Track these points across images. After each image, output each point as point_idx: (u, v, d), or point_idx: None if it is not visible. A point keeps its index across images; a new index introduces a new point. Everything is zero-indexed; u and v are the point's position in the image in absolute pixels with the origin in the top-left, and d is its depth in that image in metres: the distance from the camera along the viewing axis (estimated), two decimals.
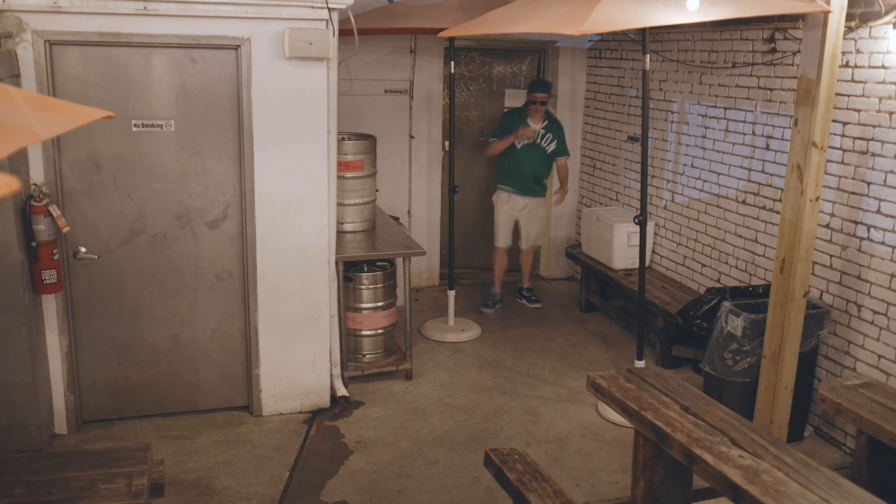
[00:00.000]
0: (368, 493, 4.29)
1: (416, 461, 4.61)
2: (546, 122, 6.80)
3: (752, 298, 5.05)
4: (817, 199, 4.35)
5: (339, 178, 5.40)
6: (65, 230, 4.40)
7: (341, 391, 5.29)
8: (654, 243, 6.74)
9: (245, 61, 4.57)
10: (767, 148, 5.38)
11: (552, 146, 6.80)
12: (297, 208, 4.86)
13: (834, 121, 4.58)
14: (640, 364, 5.20)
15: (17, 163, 4.18)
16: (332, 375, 5.24)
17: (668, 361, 5.84)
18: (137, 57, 4.49)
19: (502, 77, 7.79)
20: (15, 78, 4.21)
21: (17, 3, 4.15)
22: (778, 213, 5.17)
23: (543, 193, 7.02)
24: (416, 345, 6.13)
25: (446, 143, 7.00)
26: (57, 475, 3.12)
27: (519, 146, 6.77)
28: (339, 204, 5.39)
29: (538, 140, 6.76)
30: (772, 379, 4.58)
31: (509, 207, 6.94)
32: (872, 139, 4.49)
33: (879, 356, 4.51)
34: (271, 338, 5.00)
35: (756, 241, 5.54)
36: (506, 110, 7.49)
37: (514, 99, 7.76)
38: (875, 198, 4.49)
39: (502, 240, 7.06)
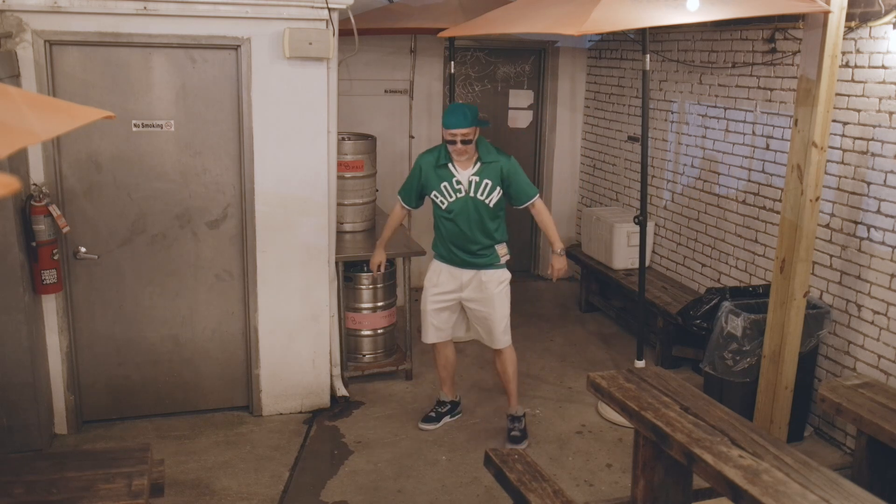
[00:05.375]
0: (368, 493, 4.29)
1: (416, 461, 4.61)
2: (478, 164, 4.59)
3: (752, 298, 5.05)
4: (817, 199, 4.35)
5: (339, 178, 5.39)
6: (65, 230, 4.40)
7: (341, 391, 5.29)
8: (654, 243, 6.74)
9: (245, 61, 4.57)
10: (767, 148, 5.38)
11: (494, 197, 4.60)
12: (297, 208, 4.86)
13: (834, 121, 4.58)
14: (640, 364, 5.20)
15: (17, 163, 4.18)
16: (332, 375, 5.24)
17: (668, 361, 5.84)
18: (137, 57, 4.48)
19: (507, 77, 7.77)
20: (15, 78, 4.21)
21: (17, 3, 4.15)
22: (778, 213, 5.16)
23: (496, 260, 4.73)
24: (416, 345, 6.12)
25: None
26: (57, 475, 3.12)
27: (443, 206, 4.66)
28: (339, 204, 5.39)
29: (472, 191, 4.59)
30: (772, 379, 4.58)
31: (444, 284, 4.78)
32: (872, 139, 4.49)
33: (879, 356, 4.51)
34: (271, 338, 4.99)
35: (756, 241, 5.54)
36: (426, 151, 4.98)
37: (519, 99, 7.76)
38: (875, 198, 4.49)
39: (432, 332, 4.86)
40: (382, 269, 5.18)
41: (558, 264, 4.81)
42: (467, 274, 4.74)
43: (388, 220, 5.07)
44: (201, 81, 4.61)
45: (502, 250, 4.76)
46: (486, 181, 4.59)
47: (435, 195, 4.68)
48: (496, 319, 4.77)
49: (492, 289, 4.71)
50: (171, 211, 4.72)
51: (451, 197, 4.63)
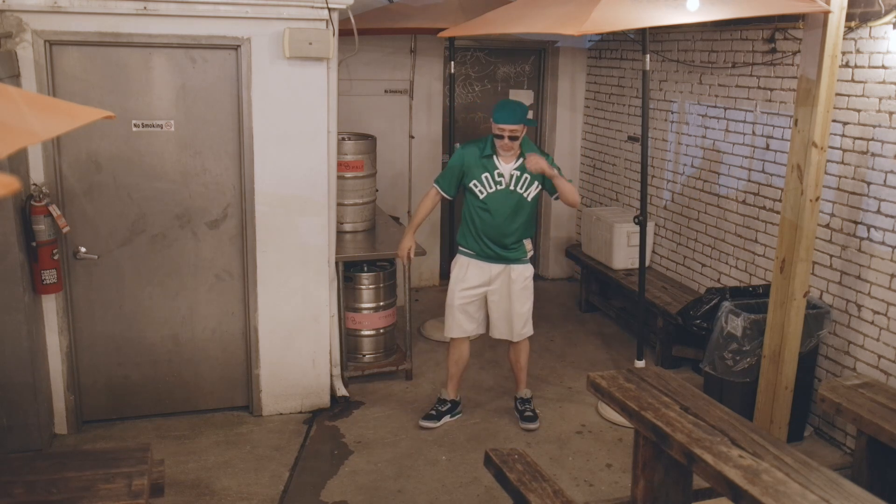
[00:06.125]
0: (368, 493, 4.29)
1: (416, 461, 4.61)
2: (521, 159, 4.69)
3: (752, 298, 5.05)
4: (817, 199, 4.35)
5: (339, 178, 5.39)
6: (65, 230, 4.40)
7: (341, 391, 5.29)
8: (654, 243, 6.74)
9: (245, 61, 4.57)
10: (767, 148, 5.38)
11: (533, 191, 4.74)
12: (297, 208, 4.86)
13: (834, 121, 4.58)
14: (640, 364, 5.20)
15: (17, 163, 4.18)
16: (332, 375, 5.24)
17: (668, 361, 5.84)
18: (137, 57, 4.48)
19: (507, 77, 7.77)
20: (15, 78, 4.21)
21: (17, 3, 4.15)
22: (778, 213, 5.16)
23: (523, 255, 4.85)
24: (416, 345, 6.13)
25: (457, 145, 6.65)
26: (57, 475, 3.12)
27: (481, 196, 4.74)
28: (339, 204, 5.38)
29: (512, 184, 4.71)
30: (772, 379, 4.58)
31: (472, 279, 4.85)
32: (872, 139, 4.49)
33: (879, 356, 4.51)
34: (271, 338, 4.99)
35: (756, 241, 5.54)
36: (457, 146, 5.22)
37: (519, 99, 7.74)
38: (875, 198, 4.49)
39: (457, 327, 4.94)
40: (413, 255, 5.04)
41: (535, 158, 4.59)
42: (496, 268, 4.84)
43: (419, 207, 5.02)
44: (201, 81, 4.61)
45: (528, 245, 4.88)
46: (526, 175, 4.71)
47: (474, 184, 4.75)
48: (520, 314, 4.89)
49: (519, 284, 4.84)
50: (171, 211, 4.72)
51: (490, 188, 4.73)
